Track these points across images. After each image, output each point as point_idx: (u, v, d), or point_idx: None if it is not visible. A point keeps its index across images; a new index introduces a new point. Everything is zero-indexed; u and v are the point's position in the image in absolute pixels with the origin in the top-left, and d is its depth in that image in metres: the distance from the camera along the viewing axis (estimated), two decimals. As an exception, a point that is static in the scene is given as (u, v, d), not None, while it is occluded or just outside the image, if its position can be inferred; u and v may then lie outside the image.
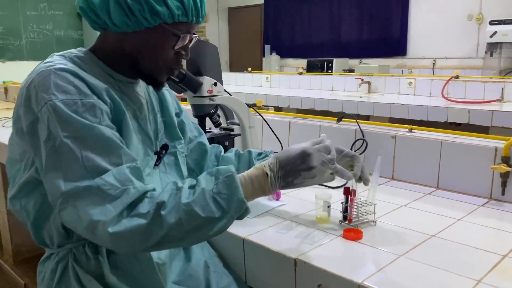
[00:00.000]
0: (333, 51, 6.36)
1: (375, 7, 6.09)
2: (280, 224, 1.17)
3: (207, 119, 1.42)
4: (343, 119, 1.76)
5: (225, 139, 1.39)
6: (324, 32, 6.72)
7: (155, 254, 0.98)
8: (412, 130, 1.56)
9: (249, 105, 1.47)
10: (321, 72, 5.64)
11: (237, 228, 1.14)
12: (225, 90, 1.42)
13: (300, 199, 1.36)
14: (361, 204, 1.16)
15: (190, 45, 0.99)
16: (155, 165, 1.05)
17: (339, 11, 6.48)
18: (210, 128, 1.42)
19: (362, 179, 1.06)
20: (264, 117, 1.93)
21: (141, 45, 0.93)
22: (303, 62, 6.23)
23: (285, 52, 6.99)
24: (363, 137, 1.61)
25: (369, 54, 6.00)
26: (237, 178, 0.87)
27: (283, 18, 7.24)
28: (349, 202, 1.14)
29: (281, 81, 4.98)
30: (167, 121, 1.12)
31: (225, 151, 1.42)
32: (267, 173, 0.90)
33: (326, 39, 6.71)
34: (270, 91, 4.69)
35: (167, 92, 1.18)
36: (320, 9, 6.74)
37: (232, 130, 1.45)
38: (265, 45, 7.33)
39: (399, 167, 1.54)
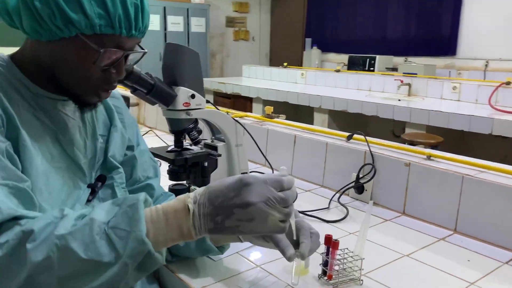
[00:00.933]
0: (377, 47, 5.98)
1: (424, 1, 5.66)
2: (246, 273, 0.97)
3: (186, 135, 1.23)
4: (353, 137, 1.52)
5: (204, 160, 1.21)
6: (369, 27, 6.34)
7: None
8: (431, 158, 1.31)
9: (235, 119, 1.27)
10: (363, 69, 5.32)
11: (193, 274, 0.96)
12: (208, 102, 1.23)
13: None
14: (344, 259, 0.94)
15: (127, 63, 0.81)
16: (88, 200, 0.88)
17: (386, 5, 6.08)
18: (190, 145, 1.24)
19: (302, 253, 0.83)
20: (270, 128, 1.73)
21: (57, 57, 0.76)
22: (344, 58, 5.91)
23: (326, 46, 6.67)
24: (373, 161, 1.37)
25: (415, 52, 5.58)
26: (141, 209, 0.66)
27: (326, 11, 6.91)
28: (330, 254, 0.92)
29: (317, 78, 4.72)
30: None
31: (205, 174, 1.23)
32: (188, 207, 0.70)
33: (370, 34, 6.33)
34: (305, 88, 4.45)
35: (124, 115, 1.01)
36: (365, 2, 6.37)
37: (215, 148, 1.26)
38: (306, 39, 7.04)
39: (412, 201, 1.30)
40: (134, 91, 1.08)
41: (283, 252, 0.84)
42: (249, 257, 1.04)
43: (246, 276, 0.96)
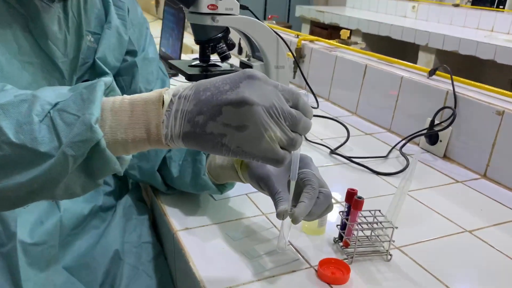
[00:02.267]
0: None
1: None
2: (246, 220, 0.78)
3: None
4: (437, 72, 1.19)
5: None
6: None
7: (22, 232, 0.68)
8: (536, 108, 0.96)
9: (277, 32, 1.02)
10: (490, 7, 4.55)
11: (187, 211, 0.79)
12: (244, 8, 0.99)
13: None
14: (369, 224, 0.70)
15: None
16: None
17: None
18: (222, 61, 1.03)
19: (294, 215, 0.59)
20: (339, 55, 1.45)
21: None
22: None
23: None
24: (455, 105, 1.05)
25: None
26: (100, 90, 0.48)
27: None
28: (349, 215, 0.69)
29: (430, 13, 4.12)
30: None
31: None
32: (163, 98, 0.50)
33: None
34: (414, 23, 3.91)
35: (128, 12, 0.83)
36: None
37: (251, 67, 1.04)
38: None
39: (498, 162, 0.98)
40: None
41: (275, 205, 0.62)
42: (258, 202, 0.84)
43: (244, 224, 0.77)
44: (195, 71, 0.97)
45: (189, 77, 0.95)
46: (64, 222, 0.75)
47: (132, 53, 0.84)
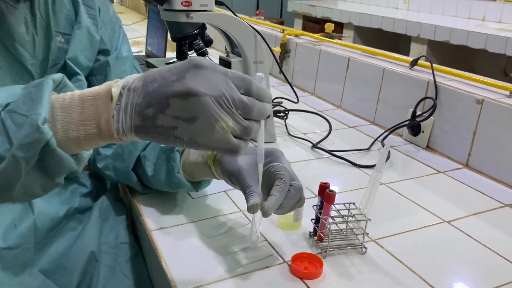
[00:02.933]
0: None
1: None
2: (226, 217, 0.77)
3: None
4: (418, 62, 1.19)
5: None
6: None
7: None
8: (516, 95, 0.96)
9: (253, 27, 1.01)
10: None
11: (163, 209, 0.78)
12: (220, 3, 0.99)
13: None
14: (343, 217, 0.69)
15: None
16: None
17: None
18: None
19: (264, 209, 0.58)
20: (323, 49, 1.44)
21: None
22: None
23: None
24: (436, 95, 1.05)
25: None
26: (47, 88, 0.47)
27: None
28: (322, 209, 0.68)
29: (422, 3, 4.11)
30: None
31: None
32: (112, 92, 0.49)
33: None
34: (406, 15, 3.90)
35: (99, 11, 0.82)
36: None
37: (229, 64, 1.03)
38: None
39: (479, 151, 0.97)
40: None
41: (246, 199, 0.62)
42: (236, 199, 0.83)
43: (221, 221, 0.76)
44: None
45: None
46: (39, 225, 0.74)
47: (104, 52, 0.84)
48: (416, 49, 3.46)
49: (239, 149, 0.50)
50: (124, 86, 0.49)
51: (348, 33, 4.03)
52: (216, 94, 0.47)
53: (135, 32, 2.51)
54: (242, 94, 0.49)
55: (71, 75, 0.78)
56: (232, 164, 0.66)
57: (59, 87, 0.51)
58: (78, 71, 0.78)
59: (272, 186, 0.62)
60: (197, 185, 0.78)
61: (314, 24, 4.38)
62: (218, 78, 0.48)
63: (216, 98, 0.47)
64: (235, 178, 0.65)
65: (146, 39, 1.88)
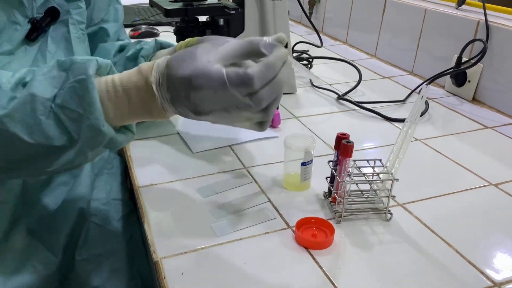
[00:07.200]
0: None
1: None
2: (227, 174, 0.67)
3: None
4: (466, 1, 1.01)
5: (218, 15, 0.86)
6: None
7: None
8: None
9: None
10: None
11: (148, 168, 0.69)
12: None
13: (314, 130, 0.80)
14: (364, 175, 0.57)
15: None
16: (30, 39, 0.63)
17: None
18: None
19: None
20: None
21: None
22: None
23: None
24: (487, 37, 0.88)
25: None
26: (93, 89, 0.47)
27: None
28: (337, 166, 0.56)
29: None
30: None
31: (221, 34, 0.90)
32: (151, 85, 0.49)
33: None
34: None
35: None
36: None
37: (242, 2, 0.89)
38: None
39: (538, 103, 0.82)
40: None
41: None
42: (242, 155, 0.72)
43: (220, 178, 0.65)
44: (175, 6, 0.85)
45: (166, 13, 0.82)
46: (28, 180, 0.66)
47: None
48: None
49: (266, 127, 0.51)
50: (155, 82, 0.49)
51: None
52: (223, 107, 0.47)
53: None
54: (245, 95, 0.46)
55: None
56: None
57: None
58: None
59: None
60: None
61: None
62: (217, 95, 0.46)
63: (225, 109, 0.47)
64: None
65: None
